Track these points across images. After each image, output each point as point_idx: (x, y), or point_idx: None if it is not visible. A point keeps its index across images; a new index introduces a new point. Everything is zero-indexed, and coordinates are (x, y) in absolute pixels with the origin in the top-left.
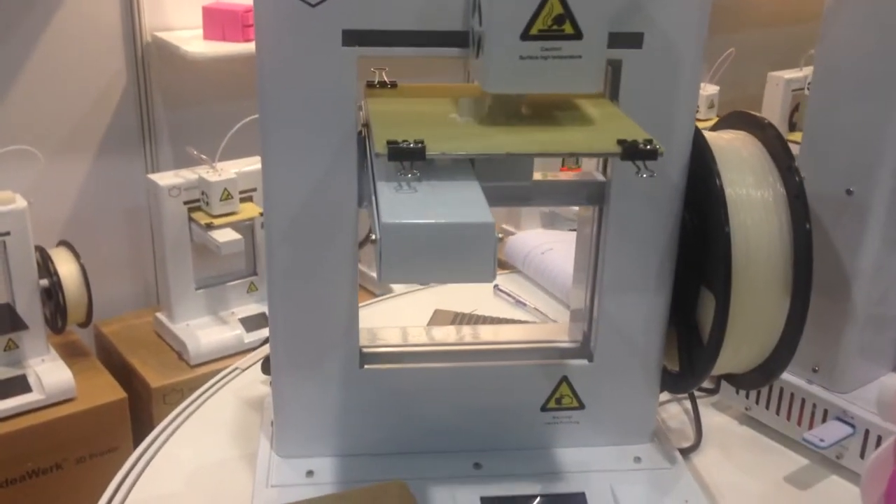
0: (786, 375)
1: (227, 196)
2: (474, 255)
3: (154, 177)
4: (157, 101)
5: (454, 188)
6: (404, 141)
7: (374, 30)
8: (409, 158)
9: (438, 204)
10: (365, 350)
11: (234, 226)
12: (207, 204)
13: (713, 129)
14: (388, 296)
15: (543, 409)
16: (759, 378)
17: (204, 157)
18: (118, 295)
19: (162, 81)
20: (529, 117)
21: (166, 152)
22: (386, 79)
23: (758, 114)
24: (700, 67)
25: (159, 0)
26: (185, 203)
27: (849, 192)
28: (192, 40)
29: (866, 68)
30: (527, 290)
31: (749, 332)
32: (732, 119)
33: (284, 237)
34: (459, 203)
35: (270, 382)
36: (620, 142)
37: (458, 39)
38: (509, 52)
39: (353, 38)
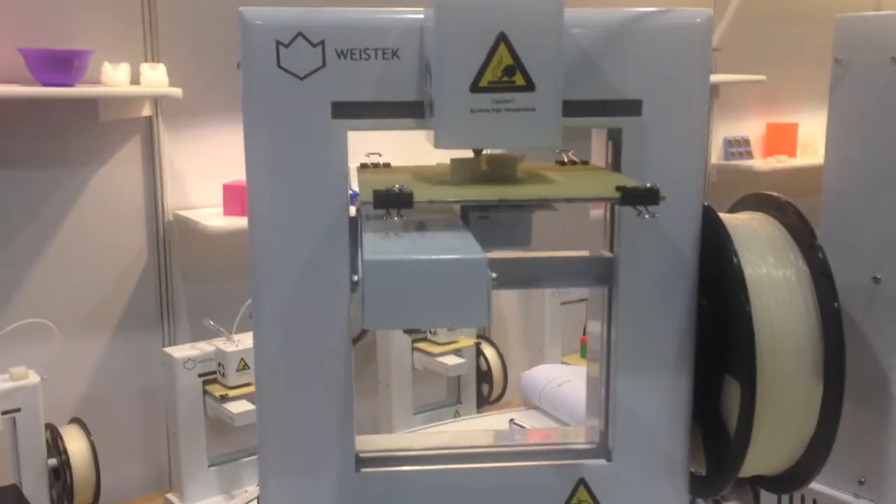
0: (830, 490)
1: (243, 366)
2: (466, 293)
3: (170, 349)
4: (177, 277)
5: (445, 236)
6: (391, 188)
7: (365, 101)
8: (397, 205)
9: (427, 245)
10: (362, 455)
11: (250, 397)
12: (224, 375)
13: (729, 212)
14: (392, 434)
15: None
16: (796, 479)
17: (221, 328)
18: (129, 477)
19: (182, 257)
20: (525, 179)
21: (184, 327)
22: (380, 161)
23: (776, 194)
24: (704, 136)
25: (182, 181)
26: (200, 375)
27: (876, 280)
28: (212, 216)
29: (876, 158)
30: (545, 425)
31: (781, 423)
32: (748, 201)
33: (273, 326)
34: (449, 244)
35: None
36: (619, 188)
37: None
38: (459, 104)
39: (343, 110)
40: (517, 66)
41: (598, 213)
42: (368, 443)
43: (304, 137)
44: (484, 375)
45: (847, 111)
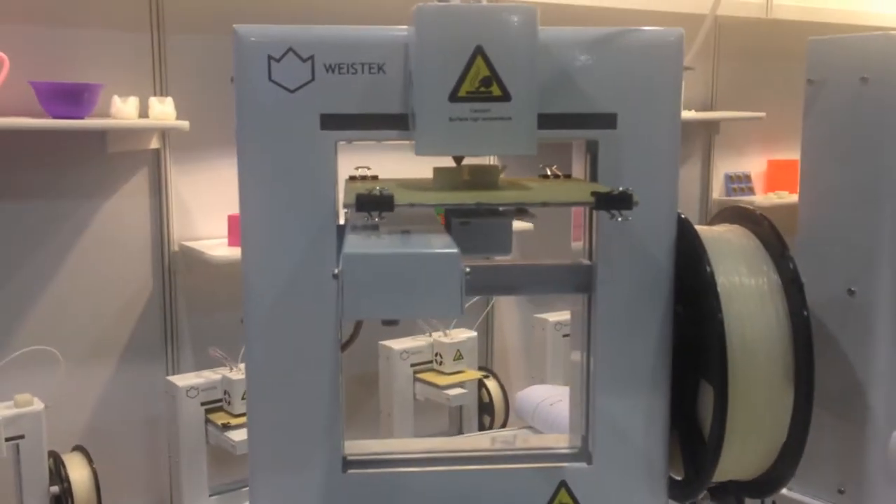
0: (810, 500)
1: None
2: (440, 286)
3: (173, 378)
4: (182, 306)
5: (423, 237)
6: (373, 191)
7: (352, 113)
8: (378, 207)
9: (404, 242)
10: (350, 457)
11: None
12: (230, 403)
13: (708, 225)
14: (380, 440)
15: None
16: (770, 483)
17: (227, 357)
18: None
19: (187, 287)
20: (505, 187)
21: (187, 356)
22: (368, 173)
23: (751, 207)
24: (678, 147)
25: (188, 212)
26: (203, 404)
27: (850, 293)
28: (217, 247)
29: (848, 174)
30: None
31: (753, 426)
32: (727, 214)
33: (263, 330)
34: (425, 242)
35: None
36: (594, 193)
37: None
38: (439, 112)
39: (331, 122)
40: (493, 77)
41: (578, 244)
42: (356, 447)
43: (293, 148)
44: (485, 407)
45: (820, 129)
